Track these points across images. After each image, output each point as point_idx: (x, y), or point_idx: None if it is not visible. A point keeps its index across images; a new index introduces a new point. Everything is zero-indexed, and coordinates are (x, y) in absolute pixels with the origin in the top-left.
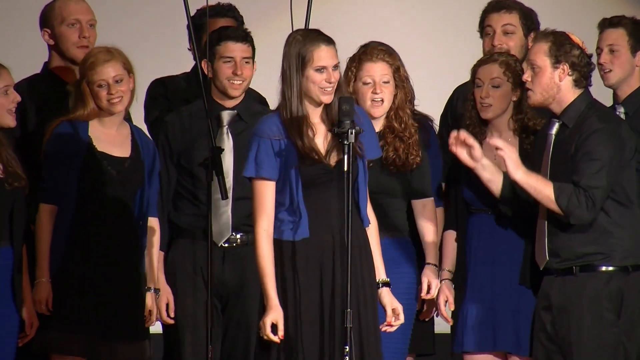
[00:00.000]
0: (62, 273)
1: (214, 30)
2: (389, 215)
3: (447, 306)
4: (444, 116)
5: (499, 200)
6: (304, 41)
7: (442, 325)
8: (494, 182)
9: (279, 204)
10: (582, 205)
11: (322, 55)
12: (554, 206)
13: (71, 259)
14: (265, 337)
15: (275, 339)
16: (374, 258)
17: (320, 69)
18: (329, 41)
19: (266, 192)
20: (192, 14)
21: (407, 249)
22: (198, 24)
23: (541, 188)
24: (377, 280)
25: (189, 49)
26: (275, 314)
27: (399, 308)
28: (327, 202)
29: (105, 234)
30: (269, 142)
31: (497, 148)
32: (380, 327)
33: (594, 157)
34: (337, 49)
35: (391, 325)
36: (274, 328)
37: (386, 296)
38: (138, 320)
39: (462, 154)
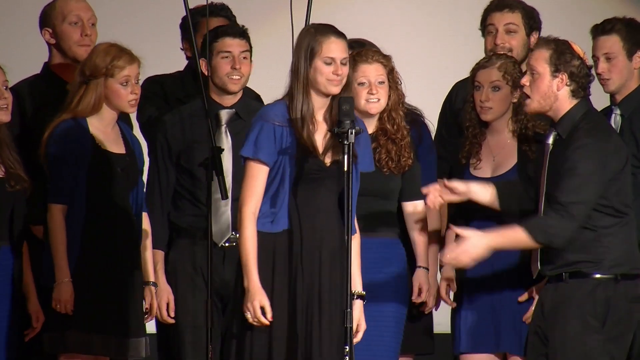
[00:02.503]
0: (80, 272)
1: (210, 30)
2: (380, 216)
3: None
4: (442, 114)
5: (503, 213)
6: (316, 33)
7: (442, 325)
8: (491, 203)
9: (265, 192)
10: (561, 226)
11: (331, 47)
12: (535, 245)
13: (87, 257)
14: (255, 322)
15: (265, 321)
16: (352, 268)
17: (328, 61)
18: (340, 35)
19: (259, 175)
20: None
21: (397, 250)
22: (192, 23)
23: (513, 239)
24: (353, 292)
25: (181, 49)
26: (260, 297)
27: (362, 327)
28: (314, 200)
29: (114, 231)
30: (271, 127)
31: (457, 235)
32: None
33: (574, 172)
34: None
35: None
36: (262, 311)
37: (356, 310)
38: (139, 317)
39: (450, 198)
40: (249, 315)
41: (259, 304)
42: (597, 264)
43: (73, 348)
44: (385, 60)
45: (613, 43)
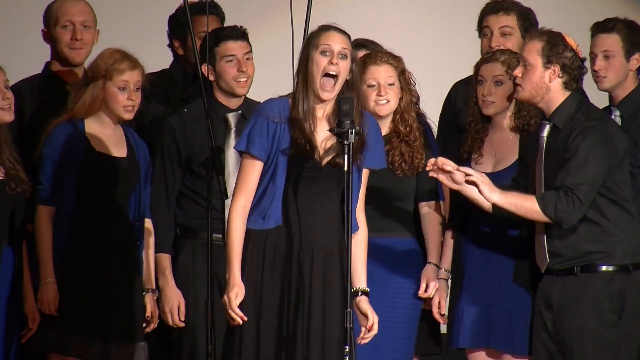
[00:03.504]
0: (63, 273)
1: (209, 33)
2: (395, 217)
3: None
4: (442, 114)
5: (492, 214)
6: (319, 30)
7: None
8: (480, 200)
9: (258, 187)
10: (570, 208)
11: (329, 37)
12: (540, 217)
13: (71, 259)
14: (230, 312)
15: (240, 313)
16: (355, 266)
17: (325, 51)
18: (342, 31)
19: (251, 170)
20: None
21: (413, 250)
22: (182, 22)
23: (522, 203)
24: (357, 288)
25: (168, 46)
26: (238, 290)
27: (375, 320)
28: (307, 198)
29: (104, 235)
30: (265, 122)
31: (466, 175)
32: (357, 339)
33: (578, 153)
34: None
35: (364, 338)
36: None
37: (364, 304)
38: (136, 322)
39: (443, 179)
40: (226, 307)
41: (234, 296)
42: (609, 254)
43: (52, 348)
44: (395, 62)
45: (613, 42)
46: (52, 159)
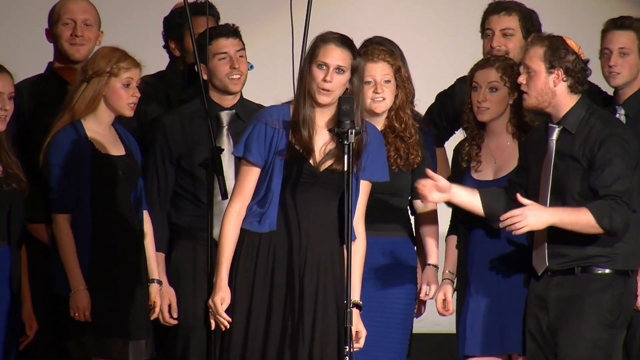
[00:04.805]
0: (94, 279)
1: (201, 33)
2: (390, 214)
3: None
4: (442, 98)
5: (486, 218)
6: (320, 39)
7: (440, 326)
8: (472, 204)
9: (255, 193)
10: (623, 215)
11: (327, 52)
12: (596, 230)
13: (99, 263)
14: (216, 317)
15: (227, 317)
16: (351, 278)
17: (321, 65)
18: (343, 44)
19: (248, 175)
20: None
21: (408, 250)
22: (177, 23)
23: (577, 219)
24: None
25: (163, 47)
26: (224, 294)
27: (362, 333)
28: (303, 204)
29: (119, 234)
30: (263, 128)
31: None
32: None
33: (613, 162)
34: None
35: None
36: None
37: (353, 317)
38: (148, 317)
39: (432, 196)
40: (211, 311)
41: (220, 301)
42: (612, 259)
43: (93, 353)
44: (392, 59)
45: (629, 39)
46: (61, 167)
